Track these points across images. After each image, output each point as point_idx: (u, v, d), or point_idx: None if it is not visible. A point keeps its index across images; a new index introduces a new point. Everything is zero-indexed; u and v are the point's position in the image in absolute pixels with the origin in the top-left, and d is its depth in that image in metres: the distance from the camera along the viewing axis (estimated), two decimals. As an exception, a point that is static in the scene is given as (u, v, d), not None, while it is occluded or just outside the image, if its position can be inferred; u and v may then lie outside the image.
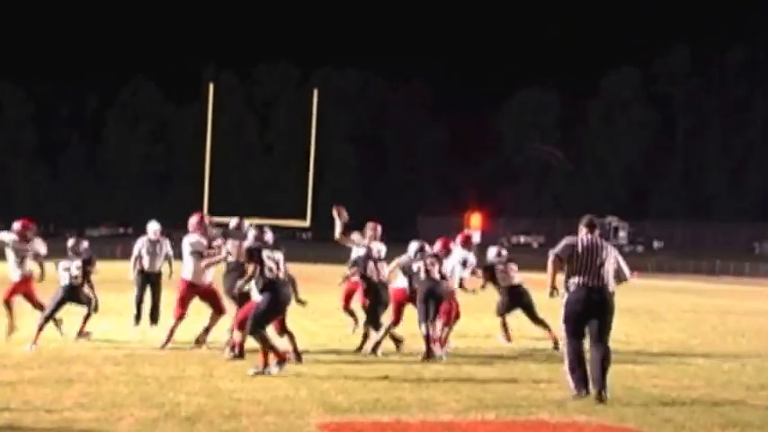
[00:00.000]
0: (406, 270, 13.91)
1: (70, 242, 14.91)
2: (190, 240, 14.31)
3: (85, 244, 15.02)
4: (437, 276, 13.64)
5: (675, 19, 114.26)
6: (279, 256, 11.72)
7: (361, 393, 10.00)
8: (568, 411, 9.26)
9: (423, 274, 13.62)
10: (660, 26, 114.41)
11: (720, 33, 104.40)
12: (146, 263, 16.75)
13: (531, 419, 8.83)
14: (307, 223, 26.42)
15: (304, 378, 11.00)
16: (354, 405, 9.25)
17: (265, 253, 11.59)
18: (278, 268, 11.62)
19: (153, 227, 17.10)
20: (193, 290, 14.09)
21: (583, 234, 10.73)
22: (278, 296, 11.58)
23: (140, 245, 16.91)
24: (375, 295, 13.91)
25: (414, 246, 14.15)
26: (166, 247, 17.01)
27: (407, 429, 8.24)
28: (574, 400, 9.92)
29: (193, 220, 14.65)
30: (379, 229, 15.24)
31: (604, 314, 10.50)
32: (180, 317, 13.93)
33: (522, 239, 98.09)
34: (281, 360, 11.25)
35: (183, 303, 14.02)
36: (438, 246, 14.37)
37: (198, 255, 14.06)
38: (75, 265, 14.29)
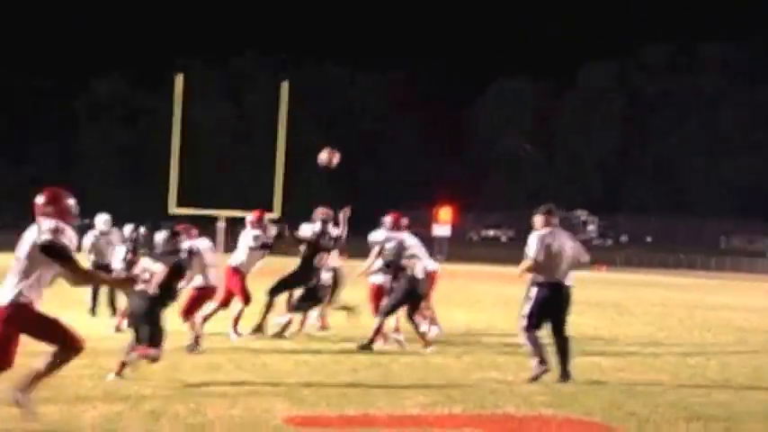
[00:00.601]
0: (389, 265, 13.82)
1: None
2: (254, 234, 14.54)
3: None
4: (420, 275, 13.65)
5: (651, 14, 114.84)
6: None
7: (328, 387, 9.95)
8: (535, 405, 9.25)
9: (409, 271, 13.59)
10: (636, 21, 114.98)
11: (696, 29, 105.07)
12: (98, 256, 16.67)
13: (497, 413, 8.80)
14: (275, 214, 26.34)
15: (270, 371, 10.93)
16: (321, 399, 9.20)
17: None
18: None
19: (103, 218, 17.03)
20: (239, 276, 14.41)
21: (547, 229, 10.94)
22: None
23: (91, 238, 16.83)
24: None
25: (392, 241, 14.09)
26: (118, 239, 16.90)
27: (374, 423, 8.19)
28: (538, 376, 10.67)
29: (252, 217, 14.92)
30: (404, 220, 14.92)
31: (566, 307, 11.11)
32: (247, 302, 14.25)
33: (492, 233, 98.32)
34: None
35: (244, 290, 14.31)
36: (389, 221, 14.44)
37: (258, 249, 14.40)
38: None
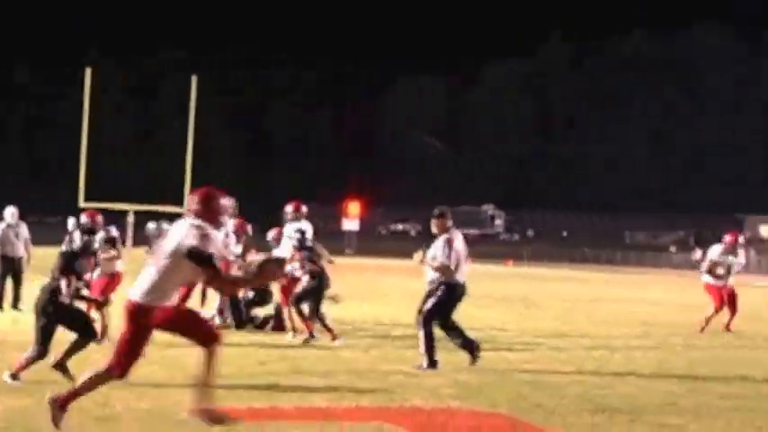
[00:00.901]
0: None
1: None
2: (295, 227, 14.36)
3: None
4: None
5: (556, 12, 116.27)
6: None
7: (236, 379, 9.90)
8: (442, 398, 9.31)
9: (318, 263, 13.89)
10: (543, 19, 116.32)
11: (601, 27, 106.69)
12: (7, 248, 16.41)
13: (405, 406, 8.84)
14: (184, 209, 26.24)
15: (179, 364, 10.83)
16: (229, 391, 9.14)
17: None
18: None
19: (10, 211, 16.76)
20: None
21: (448, 232, 11.24)
22: None
23: None
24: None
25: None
26: (25, 231, 16.67)
27: (282, 416, 8.17)
28: (428, 369, 11.08)
29: (290, 208, 14.75)
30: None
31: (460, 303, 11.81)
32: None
33: (401, 227, 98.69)
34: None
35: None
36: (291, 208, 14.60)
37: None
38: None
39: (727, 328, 17.50)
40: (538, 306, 23.90)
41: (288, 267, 14.09)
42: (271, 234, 15.35)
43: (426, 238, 12.99)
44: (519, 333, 16.29)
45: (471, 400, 9.26)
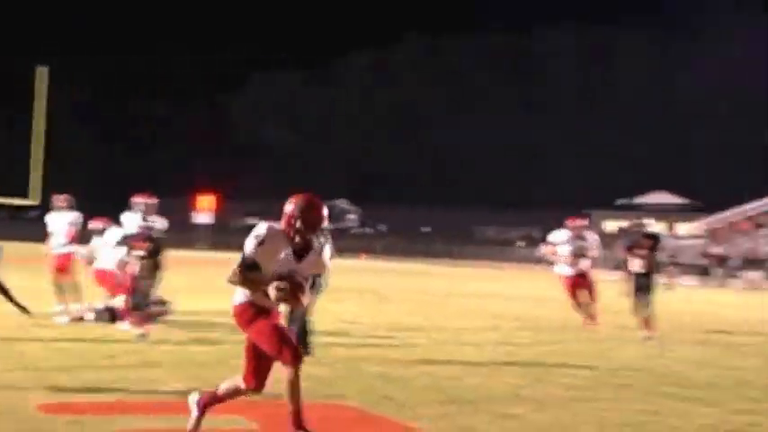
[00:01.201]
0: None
1: None
2: (140, 219, 14.08)
3: None
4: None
5: (411, 5, 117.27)
6: None
7: (84, 373, 9.67)
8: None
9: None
10: (397, 11, 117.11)
11: (457, 22, 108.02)
12: None
13: (254, 398, 8.77)
14: (32, 201, 25.37)
15: (28, 359, 10.52)
16: (77, 385, 8.92)
17: None
18: None
19: None
20: None
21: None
22: None
23: None
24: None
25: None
26: None
27: (130, 410, 8.01)
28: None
29: (139, 200, 14.59)
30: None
31: None
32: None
33: (254, 221, 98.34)
34: None
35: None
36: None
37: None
38: None
39: (590, 319, 17.34)
40: (390, 300, 24.04)
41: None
42: (95, 224, 15.23)
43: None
44: (371, 326, 16.35)
45: (322, 392, 9.25)
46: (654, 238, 16.27)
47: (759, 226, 63.40)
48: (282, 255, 6.84)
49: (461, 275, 44.47)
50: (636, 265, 15.97)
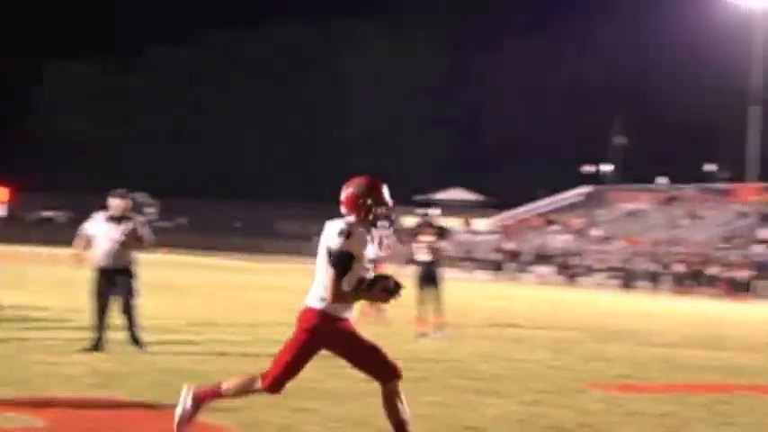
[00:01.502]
0: None
1: None
2: None
3: None
4: None
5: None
6: None
7: None
8: (81, 387, 8.98)
9: None
10: (197, 5, 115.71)
11: (254, 14, 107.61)
12: None
13: (43, 395, 8.45)
14: None
15: None
16: None
17: None
18: None
19: None
20: None
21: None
22: None
23: None
24: None
25: None
26: None
27: None
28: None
29: None
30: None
31: None
32: None
33: (49, 214, 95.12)
34: None
35: None
36: None
37: None
38: None
39: (377, 314, 17.55)
40: (189, 294, 23.74)
41: None
42: None
43: (76, 226, 12.68)
44: (170, 320, 16.09)
45: (112, 389, 8.99)
46: (438, 227, 16.46)
47: (549, 223, 65.79)
48: (368, 247, 6.44)
49: (261, 270, 44.33)
50: (420, 252, 16.12)
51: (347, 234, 6.30)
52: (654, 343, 17.09)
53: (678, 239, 56.49)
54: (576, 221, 66.03)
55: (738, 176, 69.94)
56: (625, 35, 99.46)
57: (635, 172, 76.82)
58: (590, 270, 51.84)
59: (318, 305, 6.47)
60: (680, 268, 47.86)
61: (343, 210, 6.50)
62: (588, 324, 21.11)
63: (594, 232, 62.81)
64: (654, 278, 48.59)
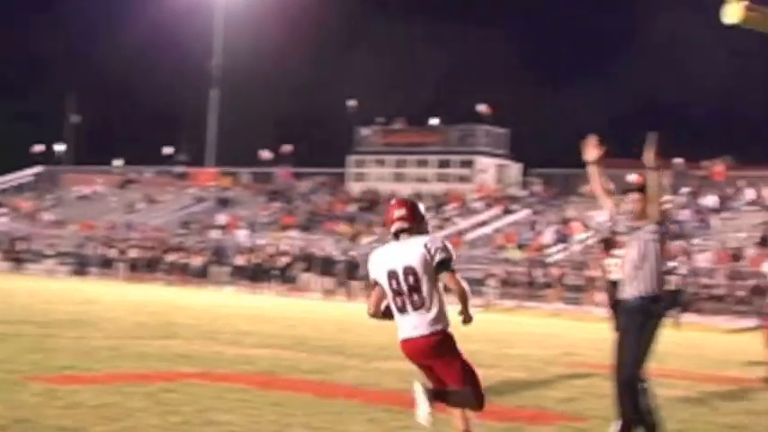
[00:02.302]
0: None
1: None
2: None
3: None
4: None
5: None
6: None
7: None
8: None
9: None
10: None
11: None
12: None
13: None
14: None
15: None
16: None
17: None
18: None
19: None
20: None
21: None
22: None
23: None
24: None
25: None
26: None
27: None
28: None
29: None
30: None
31: None
32: None
33: None
34: None
35: None
36: None
37: None
38: None
39: None
40: None
41: None
42: None
43: None
44: None
45: None
46: None
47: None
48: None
49: None
50: None
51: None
52: (103, 332, 16.98)
53: (135, 224, 57.00)
54: (26, 204, 64.25)
55: (197, 160, 72.03)
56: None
57: (90, 153, 76.16)
58: (40, 256, 50.57)
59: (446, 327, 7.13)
60: (135, 254, 48.20)
61: (406, 225, 7.31)
62: (34, 313, 20.50)
63: (46, 216, 61.54)
64: (108, 264, 48.52)
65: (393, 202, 7.64)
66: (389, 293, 7.13)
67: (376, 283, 7.24)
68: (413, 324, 7.05)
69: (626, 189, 8.61)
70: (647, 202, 8.38)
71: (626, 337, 8.36)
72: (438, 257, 7.03)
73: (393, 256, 7.16)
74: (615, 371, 8.39)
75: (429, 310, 7.02)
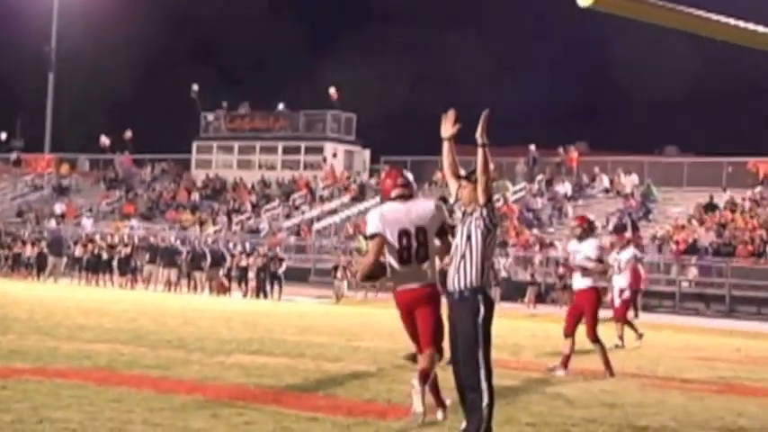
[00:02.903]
0: None
1: None
2: None
3: None
4: None
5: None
6: None
7: None
8: None
9: None
10: None
11: None
12: None
13: None
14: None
15: None
16: None
17: None
18: None
19: None
20: None
21: None
22: None
23: None
24: None
25: None
26: None
27: None
28: None
29: None
30: None
31: None
32: None
33: None
34: None
35: None
36: None
37: None
38: None
39: None
40: None
41: None
42: None
43: None
44: None
45: None
46: None
47: None
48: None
49: None
50: None
51: None
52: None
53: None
54: None
55: (33, 146, 70.23)
56: None
57: None
58: None
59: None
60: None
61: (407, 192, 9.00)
62: None
63: None
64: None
65: (389, 170, 9.40)
66: (396, 247, 8.69)
67: (375, 237, 8.71)
68: (416, 275, 8.73)
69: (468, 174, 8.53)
70: (476, 186, 8.31)
71: (454, 331, 8.40)
72: (442, 221, 8.84)
73: (405, 217, 8.77)
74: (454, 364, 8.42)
75: (429, 264, 8.78)
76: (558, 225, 45.12)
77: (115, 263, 40.69)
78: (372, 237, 8.78)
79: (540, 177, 49.97)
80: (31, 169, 64.33)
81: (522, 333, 22.57)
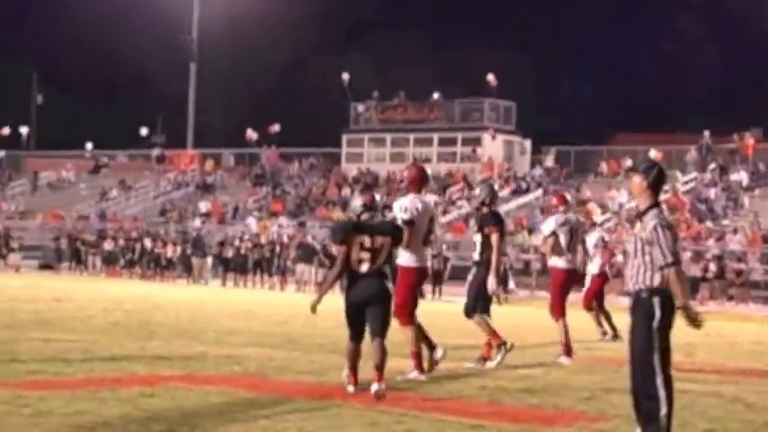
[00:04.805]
0: None
1: None
2: None
3: None
4: None
5: None
6: None
7: None
8: None
9: None
10: None
11: None
12: None
13: None
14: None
15: None
16: None
17: None
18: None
19: None
20: None
21: None
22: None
23: None
24: None
25: None
26: None
27: None
28: None
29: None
30: None
31: None
32: None
33: None
34: None
35: None
36: None
37: None
38: None
39: None
40: None
41: None
42: None
43: None
44: None
45: None
46: None
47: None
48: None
49: None
50: None
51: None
52: (74, 332, 16.90)
53: (108, 213, 56.86)
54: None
55: (175, 142, 71.38)
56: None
57: (57, 135, 75.24)
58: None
59: None
60: (109, 246, 47.55)
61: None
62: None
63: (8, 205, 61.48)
64: (78, 258, 48.28)
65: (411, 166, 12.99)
66: (424, 231, 12.18)
67: (412, 223, 11.88)
68: (429, 253, 12.58)
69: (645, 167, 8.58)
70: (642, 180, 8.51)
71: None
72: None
73: (431, 208, 12.44)
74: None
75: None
76: (734, 216, 44.02)
77: (264, 263, 41.31)
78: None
79: (712, 166, 48.80)
80: (173, 166, 65.44)
81: (695, 332, 21.93)
